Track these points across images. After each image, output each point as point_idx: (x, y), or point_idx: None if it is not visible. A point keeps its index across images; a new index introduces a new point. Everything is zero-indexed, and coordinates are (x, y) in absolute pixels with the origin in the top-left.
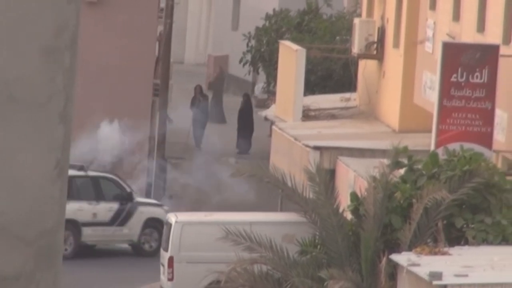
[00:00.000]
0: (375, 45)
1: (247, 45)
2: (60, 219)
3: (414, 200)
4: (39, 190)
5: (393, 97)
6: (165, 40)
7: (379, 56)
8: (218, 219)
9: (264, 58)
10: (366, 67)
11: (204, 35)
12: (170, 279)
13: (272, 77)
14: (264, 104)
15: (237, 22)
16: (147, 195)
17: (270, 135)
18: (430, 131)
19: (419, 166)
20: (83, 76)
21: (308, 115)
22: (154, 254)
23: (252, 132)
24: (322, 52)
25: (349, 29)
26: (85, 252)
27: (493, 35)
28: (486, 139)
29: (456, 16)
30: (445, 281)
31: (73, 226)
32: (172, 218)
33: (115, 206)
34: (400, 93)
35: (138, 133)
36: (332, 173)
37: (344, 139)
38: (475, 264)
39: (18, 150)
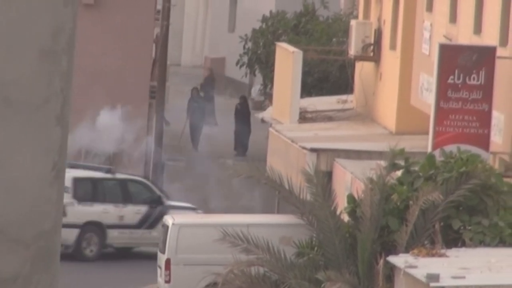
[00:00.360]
0: (371, 47)
1: (244, 47)
2: (57, 221)
3: (411, 202)
4: (36, 192)
5: (390, 99)
6: (162, 42)
7: (376, 58)
8: (215, 221)
9: (261, 60)
10: (362, 69)
11: (201, 37)
12: (167, 281)
13: (268, 79)
14: (261, 106)
15: (233, 24)
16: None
17: (267, 137)
18: (427, 133)
19: (416, 168)
20: (80, 79)
21: (305, 117)
22: None
23: (249, 134)
24: (319, 54)
25: (346, 31)
26: (83, 253)
27: (490, 36)
28: (483, 141)
29: (453, 18)
30: (442, 283)
31: (98, 228)
32: (169, 220)
33: (143, 209)
34: (397, 95)
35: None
36: (329, 175)
37: (341, 141)
38: (472, 266)
39: (15, 152)
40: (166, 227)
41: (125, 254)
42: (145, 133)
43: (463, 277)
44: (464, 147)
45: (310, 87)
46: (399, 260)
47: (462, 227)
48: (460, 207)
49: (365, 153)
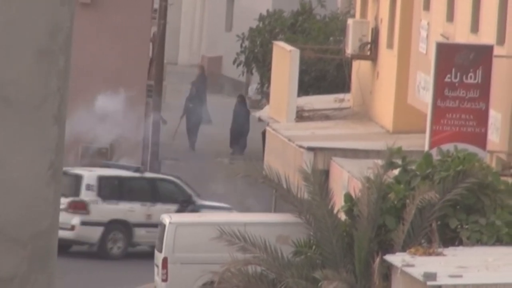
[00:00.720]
0: (369, 46)
1: (241, 46)
2: (54, 220)
3: (408, 201)
4: (33, 192)
5: (387, 97)
6: (159, 41)
7: (373, 57)
8: (212, 220)
9: (258, 59)
10: (360, 68)
11: (198, 36)
12: (164, 280)
13: (266, 78)
14: (258, 105)
15: (230, 23)
16: None
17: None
18: (424, 131)
19: (413, 167)
20: (77, 78)
21: (302, 116)
22: None
23: (247, 133)
24: (316, 53)
25: (343, 30)
26: (79, 253)
27: (487, 35)
28: (480, 140)
29: (450, 17)
30: (439, 281)
31: (124, 226)
32: (166, 219)
33: (173, 208)
34: (394, 93)
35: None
36: (326, 174)
37: (338, 140)
38: (470, 265)
39: (12, 152)
40: (163, 226)
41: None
42: (141, 132)
43: (460, 276)
44: (461, 146)
45: (307, 86)
46: (396, 259)
47: (459, 226)
48: (457, 206)
49: (362, 152)
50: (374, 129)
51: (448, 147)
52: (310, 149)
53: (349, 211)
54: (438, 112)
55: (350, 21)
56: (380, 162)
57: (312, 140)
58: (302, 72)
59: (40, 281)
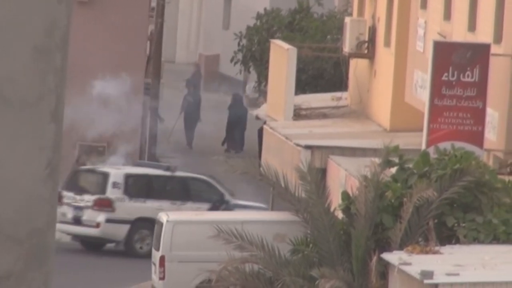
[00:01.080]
0: (366, 44)
1: (238, 44)
2: (51, 218)
3: (405, 199)
4: (29, 190)
5: (384, 96)
6: (156, 39)
7: (370, 55)
8: (209, 218)
9: (255, 57)
10: (357, 66)
11: (195, 34)
12: (162, 278)
13: (263, 76)
14: (255, 103)
15: (228, 21)
16: None
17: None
18: (421, 130)
19: (410, 165)
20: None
21: (299, 114)
22: None
23: (243, 131)
24: (313, 51)
25: (340, 28)
26: (75, 252)
27: (484, 34)
28: (477, 138)
29: (447, 15)
30: (436, 280)
31: (151, 225)
32: (163, 217)
33: (205, 207)
34: (391, 92)
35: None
36: (323, 172)
37: (335, 138)
38: (466, 263)
39: (9, 150)
40: (160, 224)
41: (118, 252)
42: (139, 129)
43: (457, 274)
44: (458, 144)
45: (304, 84)
46: (393, 257)
47: (456, 224)
48: (454, 204)
49: (360, 150)
50: (371, 127)
51: (445, 145)
52: (307, 147)
53: (346, 210)
54: (435, 111)
55: (347, 20)
56: (377, 160)
57: (309, 138)
58: (300, 71)
59: (36, 279)
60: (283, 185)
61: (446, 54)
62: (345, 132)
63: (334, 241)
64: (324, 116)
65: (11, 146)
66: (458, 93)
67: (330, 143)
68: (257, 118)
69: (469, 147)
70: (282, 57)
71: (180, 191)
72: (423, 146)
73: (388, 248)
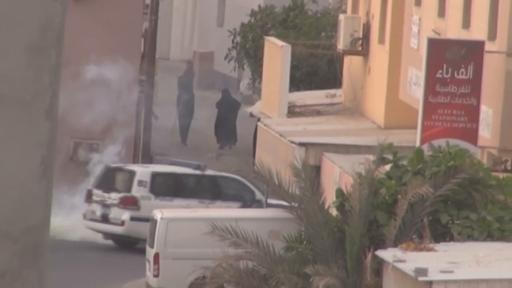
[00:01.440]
0: (360, 41)
1: (233, 41)
2: (46, 216)
3: (399, 196)
4: (24, 187)
5: (379, 93)
6: (151, 36)
7: (364, 52)
8: (204, 215)
9: (250, 55)
10: (351, 63)
11: (190, 31)
12: (156, 276)
13: (257, 74)
14: (250, 100)
15: (222, 18)
16: None
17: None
18: (415, 127)
19: (404, 162)
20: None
21: (293, 111)
22: None
23: (234, 125)
24: (308, 48)
25: (334, 25)
26: (69, 250)
27: (478, 31)
28: (471, 135)
29: (442, 12)
30: (430, 277)
31: None
32: (157, 214)
33: (234, 206)
34: (386, 89)
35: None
36: (317, 169)
37: (329, 135)
38: (461, 260)
39: (3, 147)
40: (154, 221)
41: (113, 248)
42: (133, 127)
43: (452, 272)
44: (452, 141)
45: (298, 81)
46: (387, 254)
47: (450, 222)
48: (448, 202)
49: (354, 147)
50: (365, 124)
51: (440, 142)
52: (301, 144)
53: (340, 207)
54: (429, 108)
55: (341, 17)
56: (371, 157)
57: (303, 135)
58: (294, 68)
59: (31, 277)
60: (276, 182)
61: (440, 51)
62: (339, 129)
63: (329, 238)
64: (318, 113)
65: (5, 143)
66: (452, 90)
67: (324, 140)
68: (251, 115)
69: (463, 144)
70: (276, 54)
71: (210, 190)
72: (417, 143)
73: (382, 245)
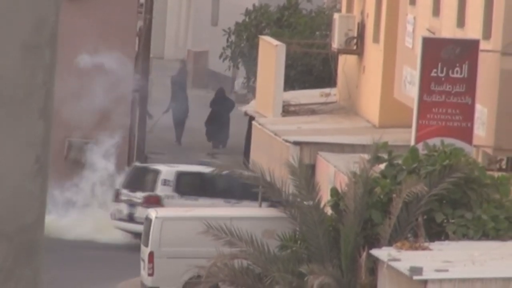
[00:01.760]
0: (355, 40)
1: (227, 40)
2: (40, 215)
3: (394, 195)
4: (18, 186)
5: (373, 92)
6: (145, 35)
7: (359, 51)
8: (198, 214)
9: (244, 54)
10: (346, 62)
11: (184, 30)
12: (151, 274)
13: (252, 73)
14: (244, 99)
15: (216, 17)
16: None
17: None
18: (410, 126)
19: (399, 161)
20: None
21: (288, 110)
22: None
23: (227, 124)
24: (302, 47)
25: (329, 24)
26: (63, 249)
27: (473, 30)
28: (466, 134)
29: (436, 11)
30: (425, 276)
31: None
32: (152, 213)
33: (262, 205)
34: (380, 88)
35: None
36: (312, 168)
37: (324, 134)
38: (456, 259)
39: None
40: (149, 220)
41: (107, 247)
42: (128, 126)
43: (446, 270)
44: (447, 140)
45: (293, 80)
46: (382, 253)
47: (445, 220)
48: (443, 200)
49: (348, 146)
50: (360, 123)
51: (434, 141)
52: (296, 143)
53: (335, 206)
54: (424, 107)
55: (336, 16)
56: (366, 156)
57: (298, 134)
58: (288, 67)
59: (26, 276)
60: (270, 181)
61: (435, 50)
62: (334, 128)
63: (323, 237)
64: (313, 112)
65: None
66: (447, 89)
67: (319, 139)
68: (246, 114)
69: (458, 143)
70: (271, 53)
71: (237, 189)
72: (412, 142)
73: (377, 244)
